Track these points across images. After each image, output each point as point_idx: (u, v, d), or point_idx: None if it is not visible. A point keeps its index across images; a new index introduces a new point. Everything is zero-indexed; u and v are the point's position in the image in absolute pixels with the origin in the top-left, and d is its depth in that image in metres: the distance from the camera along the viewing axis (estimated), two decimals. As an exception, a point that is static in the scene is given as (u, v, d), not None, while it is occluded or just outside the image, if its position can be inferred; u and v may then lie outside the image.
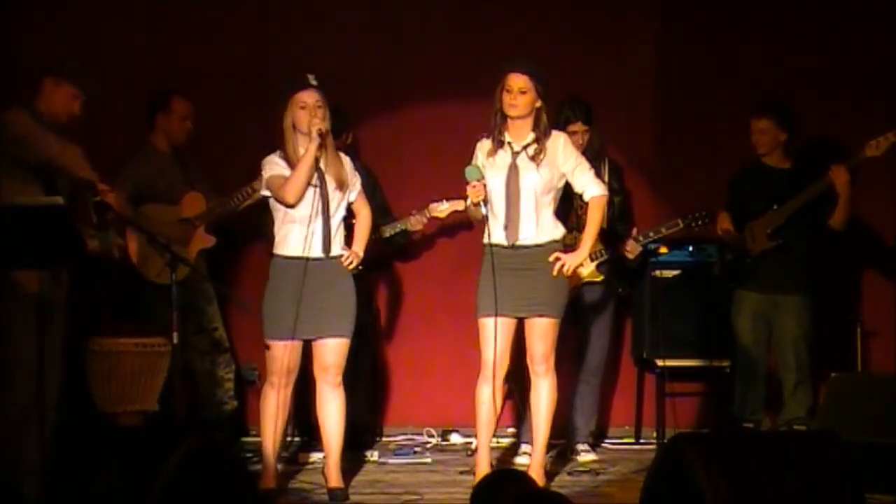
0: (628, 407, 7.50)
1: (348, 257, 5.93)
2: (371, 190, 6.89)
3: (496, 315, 5.81)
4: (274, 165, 5.93)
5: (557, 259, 5.91)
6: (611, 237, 6.78)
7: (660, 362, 7.12)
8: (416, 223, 7.00)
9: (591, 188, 5.97)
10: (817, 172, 6.73)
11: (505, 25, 7.52)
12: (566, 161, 5.94)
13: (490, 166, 5.93)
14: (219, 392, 6.97)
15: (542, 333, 5.90)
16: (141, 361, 6.55)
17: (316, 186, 5.84)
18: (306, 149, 5.82)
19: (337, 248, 5.91)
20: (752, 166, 6.95)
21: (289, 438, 6.89)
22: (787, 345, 6.81)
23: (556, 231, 5.98)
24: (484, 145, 5.99)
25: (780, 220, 6.77)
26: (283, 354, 5.86)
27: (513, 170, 5.91)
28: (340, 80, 7.22)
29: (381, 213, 6.97)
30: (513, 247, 5.88)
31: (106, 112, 6.85)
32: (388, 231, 7.02)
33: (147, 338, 6.59)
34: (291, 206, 5.83)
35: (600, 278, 6.78)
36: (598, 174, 6.23)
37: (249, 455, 6.51)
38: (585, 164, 5.98)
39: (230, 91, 7.40)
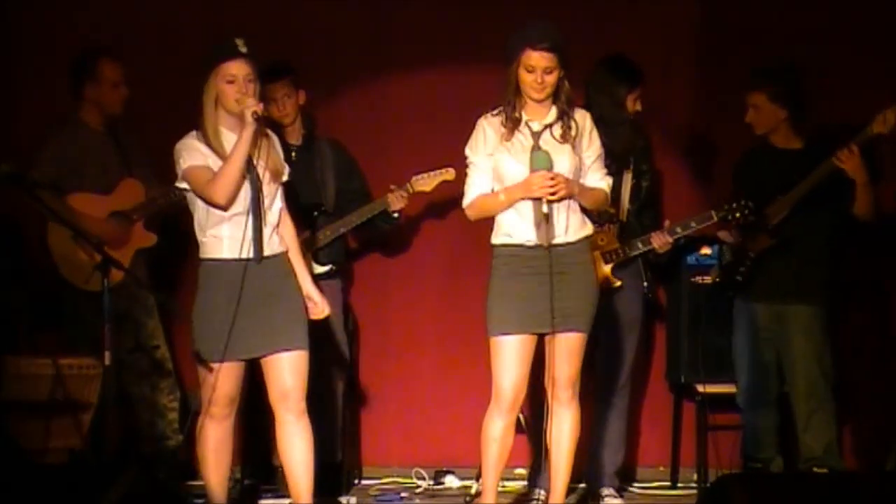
0: (662, 443, 7.52)
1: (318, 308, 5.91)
2: (347, 171, 6.92)
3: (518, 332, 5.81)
4: (194, 153, 5.81)
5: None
6: (630, 232, 6.80)
7: (700, 388, 7.14)
8: (395, 201, 6.97)
9: (600, 184, 6.02)
10: (831, 152, 6.65)
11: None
12: (590, 146, 6.00)
13: (507, 151, 5.93)
14: (160, 424, 7.00)
15: (569, 352, 5.90)
16: (65, 387, 6.58)
17: (244, 177, 5.78)
18: (239, 136, 5.73)
19: (274, 245, 5.88)
20: (758, 148, 6.92)
21: (247, 482, 6.94)
22: (795, 365, 6.78)
23: (586, 228, 6.01)
24: (492, 123, 5.96)
25: (784, 211, 6.72)
26: (222, 378, 5.82)
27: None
28: (305, 42, 7.27)
29: (361, 199, 7.00)
30: (542, 247, 5.87)
31: (25, 82, 6.88)
32: (355, 219, 6.98)
33: (73, 357, 6.62)
34: (222, 208, 5.79)
35: (617, 283, 6.76)
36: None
37: (198, 503, 6.44)
38: (603, 160, 6.05)
39: (178, 58, 7.32)
